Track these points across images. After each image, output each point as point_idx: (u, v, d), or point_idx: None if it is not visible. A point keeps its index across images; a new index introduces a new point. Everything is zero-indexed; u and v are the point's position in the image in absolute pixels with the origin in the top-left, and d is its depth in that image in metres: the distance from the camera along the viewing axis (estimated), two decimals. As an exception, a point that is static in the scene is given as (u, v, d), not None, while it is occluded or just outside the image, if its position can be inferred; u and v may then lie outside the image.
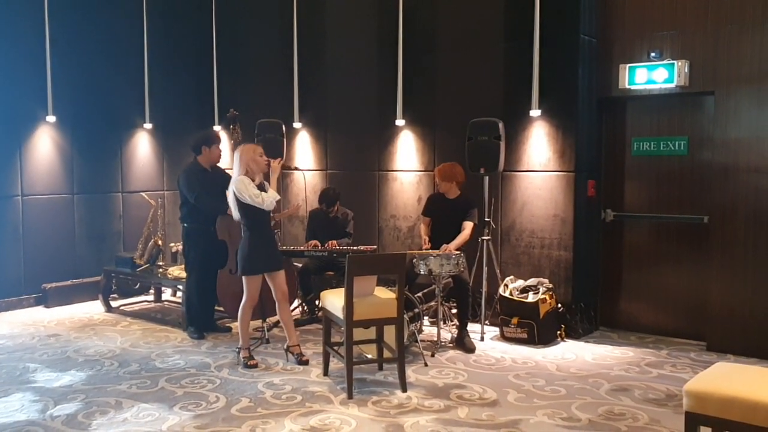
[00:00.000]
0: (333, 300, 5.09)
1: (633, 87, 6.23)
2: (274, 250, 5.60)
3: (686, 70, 5.99)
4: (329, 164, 8.03)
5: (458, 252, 5.89)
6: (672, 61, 6.02)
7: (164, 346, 6.08)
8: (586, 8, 6.30)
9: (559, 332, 6.24)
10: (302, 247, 6.79)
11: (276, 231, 6.11)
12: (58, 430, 4.25)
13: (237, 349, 5.61)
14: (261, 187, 5.37)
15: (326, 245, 6.65)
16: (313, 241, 6.76)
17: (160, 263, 7.60)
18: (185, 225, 6.40)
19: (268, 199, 5.32)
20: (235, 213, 5.42)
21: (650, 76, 6.11)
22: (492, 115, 6.35)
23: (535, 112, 6.42)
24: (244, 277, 5.44)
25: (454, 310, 6.29)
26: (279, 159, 5.96)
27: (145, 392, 4.89)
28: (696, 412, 3.36)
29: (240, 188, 5.26)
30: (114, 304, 7.60)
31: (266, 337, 6.08)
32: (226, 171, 6.61)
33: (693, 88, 6.03)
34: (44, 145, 7.74)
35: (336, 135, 7.99)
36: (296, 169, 7.74)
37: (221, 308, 6.57)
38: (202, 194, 6.14)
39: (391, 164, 7.51)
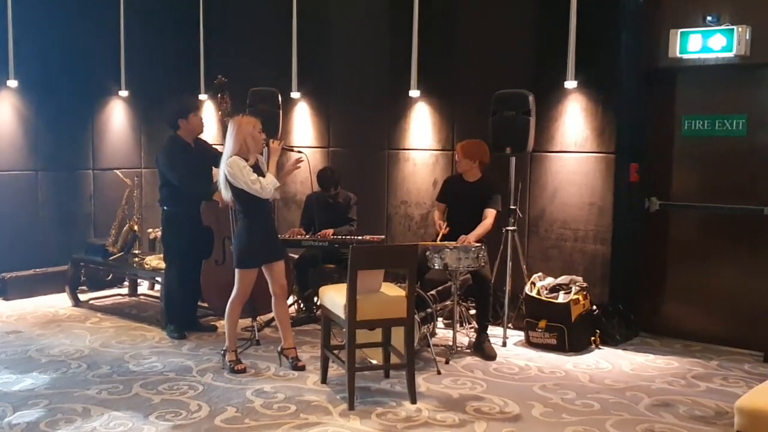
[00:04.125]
0: (333, 297, 5.10)
1: (685, 56, 6.19)
2: (274, 238, 5.62)
3: (747, 37, 5.94)
4: (332, 141, 8.04)
5: (478, 244, 5.88)
6: (731, 27, 5.97)
7: (140, 347, 6.12)
8: (632, -36, 6.28)
9: (593, 338, 6.25)
10: (287, 234, 6.75)
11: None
12: (17, 439, 4.30)
13: (223, 351, 5.63)
14: (256, 169, 5.32)
15: (319, 234, 6.64)
16: (296, 229, 6.78)
17: (136, 251, 7.64)
18: (165, 208, 6.43)
19: (268, 186, 5.25)
20: (225, 194, 5.39)
21: (705, 43, 6.06)
22: (521, 87, 6.33)
23: (570, 84, 6.40)
24: (238, 270, 5.44)
25: (473, 311, 6.31)
26: (280, 141, 5.86)
27: (116, 399, 4.93)
28: (749, 432, 3.37)
29: (233, 172, 5.20)
30: (83, 297, 7.64)
31: (256, 338, 6.11)
32: (214, 146, 6.62)
33: (755, 58, 5.98)
34: (4, 114, 7.78)
35: (340, 107, 7.99)
36: (299, 152, 7.70)
37: (205, 304, 6.60)
38: (186, 175, 6.15)
39: (403, 142, 7.51)
